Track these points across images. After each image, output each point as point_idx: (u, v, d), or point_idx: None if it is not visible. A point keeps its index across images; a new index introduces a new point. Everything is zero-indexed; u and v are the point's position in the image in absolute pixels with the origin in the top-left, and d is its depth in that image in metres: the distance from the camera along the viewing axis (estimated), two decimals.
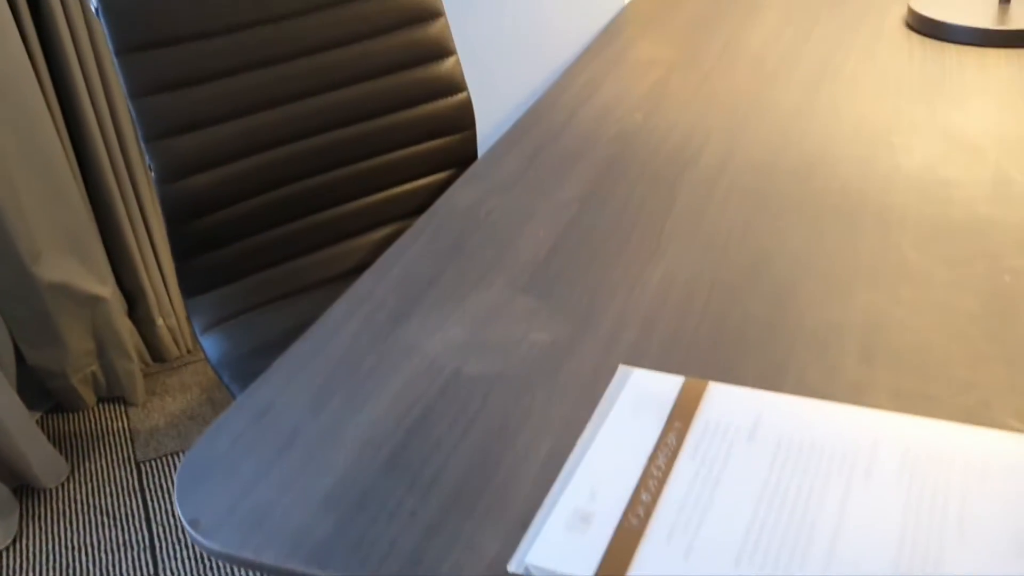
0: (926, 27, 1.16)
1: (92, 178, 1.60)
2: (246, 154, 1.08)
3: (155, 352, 1.82)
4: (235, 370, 1.06)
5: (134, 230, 1.68)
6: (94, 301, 1.62)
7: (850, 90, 1.03)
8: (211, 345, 1.09)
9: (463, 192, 0.90)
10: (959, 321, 0.65)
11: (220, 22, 1.05)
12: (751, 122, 0.98)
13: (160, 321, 1.78)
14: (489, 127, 1.59)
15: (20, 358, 1.62)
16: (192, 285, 1.11)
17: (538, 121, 1.05)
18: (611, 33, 1.31)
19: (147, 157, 1.03)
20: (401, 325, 0.70)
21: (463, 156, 1.27)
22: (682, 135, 0.97)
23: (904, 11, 1.26)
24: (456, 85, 1.23)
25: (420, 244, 0.81)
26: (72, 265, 1.57)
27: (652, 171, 0.90)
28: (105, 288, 1.63)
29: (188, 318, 1.25)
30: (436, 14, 1.19)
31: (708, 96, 1.06)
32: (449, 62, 1.21)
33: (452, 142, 1.25)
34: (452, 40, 1.22)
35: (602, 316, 0.69)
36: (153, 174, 1.04)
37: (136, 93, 1.01)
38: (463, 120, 1.25)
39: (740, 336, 0.66)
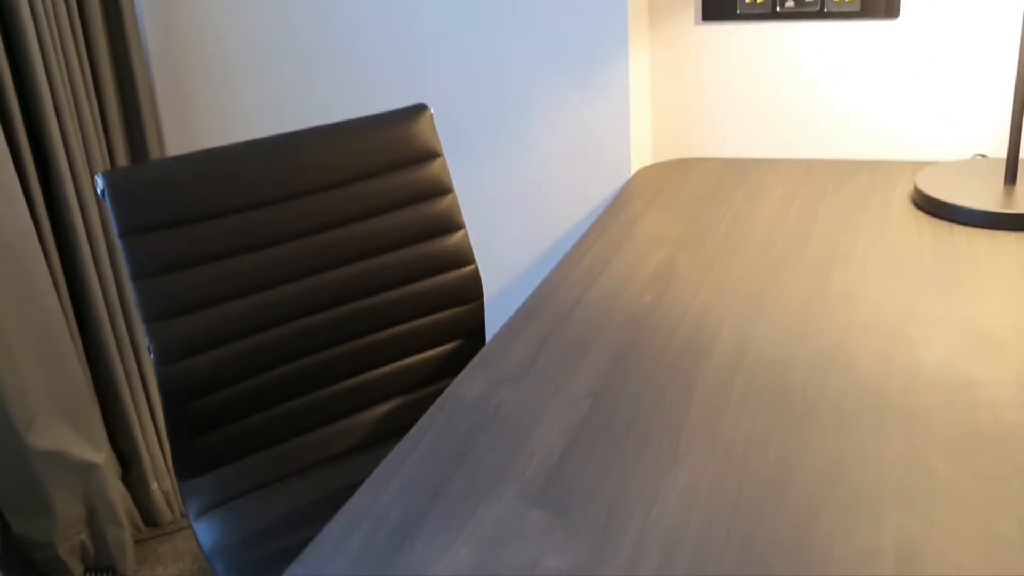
0: (933, 207, 1.16)
1: (91, 339, 1.58)
2: (247, 334, 1.07)
3: (148, 516, 1.76)
4: (229, 560, 1.00)
5: (132, 392, 1.65)
6: (87, 468, 1.57)
7: (861, 276, 1.02)
8: (205, 531, 1.04)
9: (472, 382, 0.87)
10: (1001, 551, 0.61)
11: (224, 204, 1.05)
12: (764, 310, 0.97)
13: (155, 485, 1.73)
14: (497, 295, 1.58)
15: (5, 526, 1.56)
16: (187, 468, 1.07)
17: (547, 301, 1.04)
18: (619, 204, 1.32)
19: (147, 339, 1.01)
20: (405, 546, 0.66)
21: (470, 327, 1.25)
22: (694, 322, 0.95)
23: (910, 188, 1.26)
24: (464, 258, 1.22)
25: (425, 444, 0.78)
26: (66, 431, 1.54)
27: (666, 363, 0.88)
28: (99, 455, 1.59)
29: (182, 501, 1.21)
30: (446, 190, 1.20)
31: (718, 279, 1.05)
32: (457, 236, 1.21)
33: (459, 314, 1.23)
34: (460, 213, 1.22)
35: (621, 537, 0.65)
36: (152, 356, 1.02)
37: (138, 275, 1.00)
38: (470, 292, 1.23)
39: (766, 568, 0.62)
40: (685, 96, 1.46)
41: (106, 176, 0.99)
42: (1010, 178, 1.18)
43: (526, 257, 1.54)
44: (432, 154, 1.19)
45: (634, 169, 1.44)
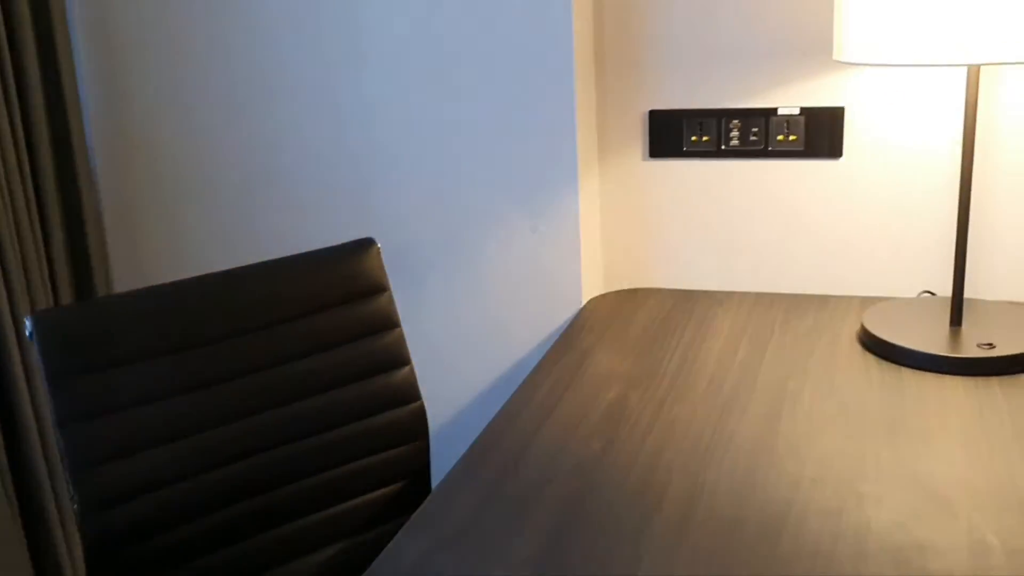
0: (881, 348, 1.16)
1: (24, 484, 1.51)
2: (179, 480, 1.02)
3: None
4: None
5: (69, 548, 1.57)
6: None
7: (809, 424, 1.01)
8: None
9: (408, 545, 0.84)
10: None
11: (160, 344, 1.02)
12: (713, 459, 0.95)
13: None
14: (445, 430, 1.54)
15: None
16: None
17: (495, 445, 1.01)
18: (570, 336, 1.31)
19: (70, 487, 0.96)
20: None
21: (414, 467, 1.21)
22: (643, 472, 0.93)
23: (858, 326, 1.27)
24: (409, 395, 1.19)
25: None
26: None
27: (613, 519, 0.85)
28: None
29: None
30: (392, 325, 1.18)
31: (666, 425, 1.03)
32: (403, 372, 1.18)
33: (403, 453, 1.19)
34: (407, 349, 1.20)
35: None
36: (75, 505, 0.96)
37: (63, 420, 0.96)
38: (415, 430, 1.20)
39: None
40: (635, 228, 1.47)
41: (35, 318, 0.96)
42: (955, 319, 1.19)
43: (476, 390, 1.52)
44: (378, 288, 1.17)
45: (585, 299, 1.44)
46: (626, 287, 1.51)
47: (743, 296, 1.43)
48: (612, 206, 1.47)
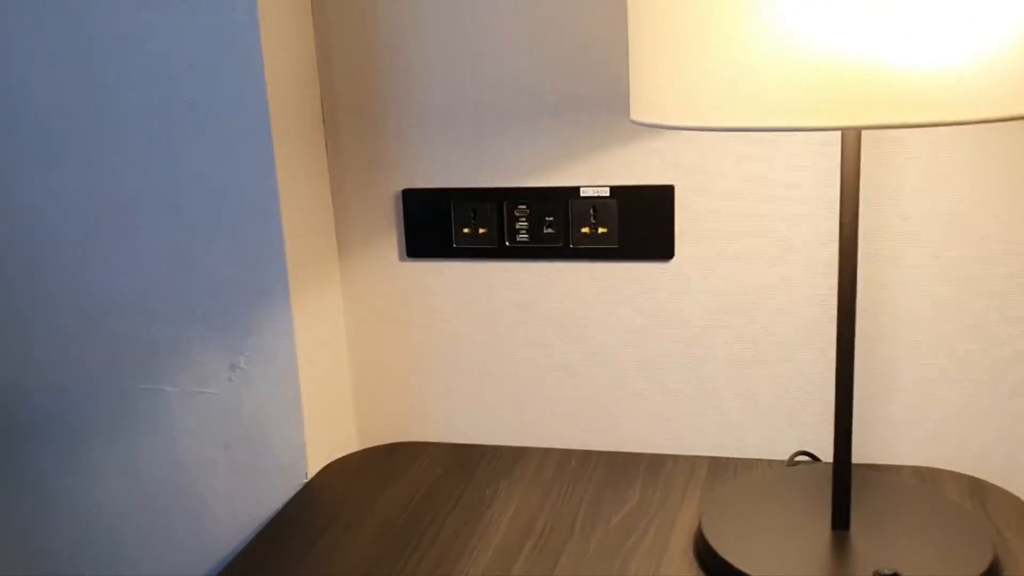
0: (722, 571, 0.73)
1: None
2: None
3: None
4: None
5: None
6: None
7: None
8: None
9: None
10: None
11: None
12: None
13: None
14: None
15: None
16: None
17: None
18: (282, 526, 0.85)
19: None
20: None
21: None
22: None
23: (694, 520, 0.84)
24: None
25: None
26: None
27: None
28: None
29: None
30: None
31: None
32: None
33: None
34: None
35: None
36: None
37: None
38: None
39: None
40: (391, 358, 1.03)
41: None
42: (840, 521, 0.76)
43: None
44: None
45: (314, 466, 0.98)
46: (381, 442, 1.06)
47: (544, 455, 0.99)
48: (359, 327, 1.03)
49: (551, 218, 0.94)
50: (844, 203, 0.70)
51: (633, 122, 0.70)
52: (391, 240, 0.99)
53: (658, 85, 0.61)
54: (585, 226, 0.93)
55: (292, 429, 0.95)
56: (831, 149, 0.87)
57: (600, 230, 0.93)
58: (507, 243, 0.96)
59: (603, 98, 0.90)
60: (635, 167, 0.91)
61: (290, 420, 0.95)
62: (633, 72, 0.66)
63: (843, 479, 0.75)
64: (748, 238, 0.91)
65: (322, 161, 0.97)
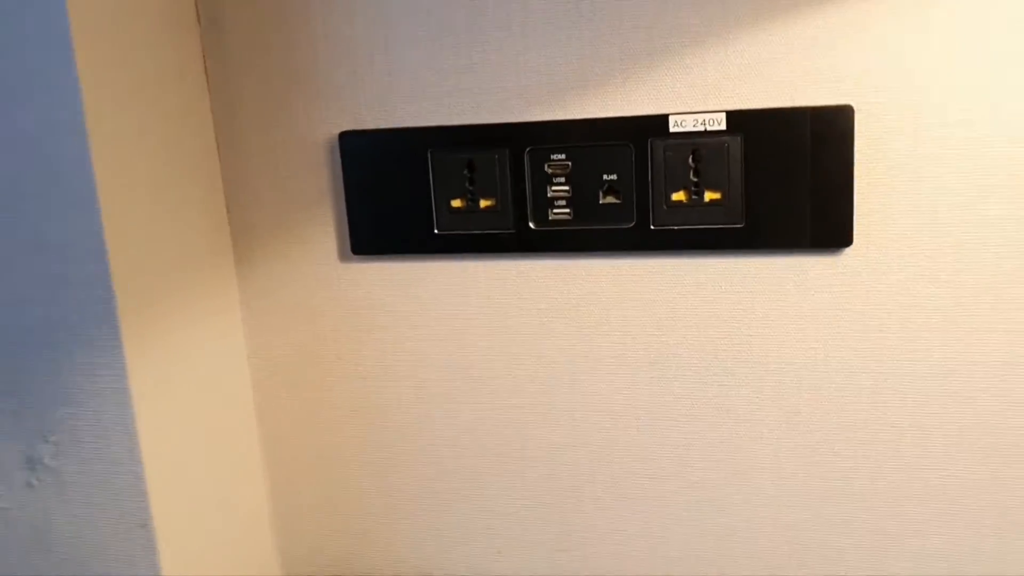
0: None
1: None
2: None
3: None
4: None
5: None
6: None
7: None
8: None
9: None
10: None
11: None
12: None
13: None
14: None
15: None
16: None
17: None
18: None
19: None
20: None
21: None
22: None
23: None
24: None
25: None
26: None
27: None
28: None
29: None
30: None
31: None
32: None
33: None
34: None
35: None
36: None
37: None
38: None
39: None
40: (315, 441, 0.59)
41: None
42: None
43: None
44: None
45: None
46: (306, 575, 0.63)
47: None
48: (269, 384, 0.59)
49: (612, 176, 0.50)
50: None
51: None
52: (325, 227, 0.55)
53: None
54: (679, 189, 0.49)
55: (140, 560, 0.52)
56: None
57: (708, 196, 0.49)
58: (531, 224, 0.52)
59: None
60: (776, 77, 0.47)
61: (134, 547, 0.52)
62: None
63: None
64: (998, 207, 0.47)
65: (197, 85, 0.54)
